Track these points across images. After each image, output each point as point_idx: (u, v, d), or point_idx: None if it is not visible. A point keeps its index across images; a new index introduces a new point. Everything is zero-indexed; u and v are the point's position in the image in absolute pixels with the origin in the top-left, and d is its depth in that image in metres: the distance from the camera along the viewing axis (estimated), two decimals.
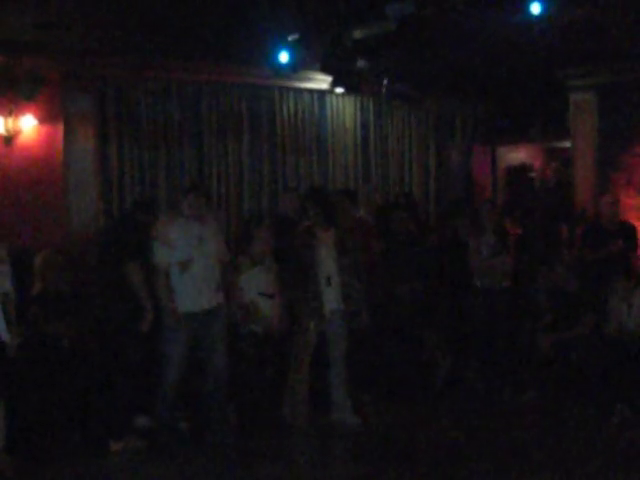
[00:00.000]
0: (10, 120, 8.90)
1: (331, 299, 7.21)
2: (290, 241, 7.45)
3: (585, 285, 8.35)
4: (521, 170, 12.87)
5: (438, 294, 8.62)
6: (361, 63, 8.99)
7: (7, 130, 8.89)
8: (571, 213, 10.76)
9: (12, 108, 8.91)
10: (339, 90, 10.54)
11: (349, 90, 10.42)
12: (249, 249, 7.42)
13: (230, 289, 7.05)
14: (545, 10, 7.24)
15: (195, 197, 6.81)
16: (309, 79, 10.65)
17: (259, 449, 6.67)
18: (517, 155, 12.90)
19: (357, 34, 8.14)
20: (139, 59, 9.45)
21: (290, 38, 8.49)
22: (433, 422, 7.42)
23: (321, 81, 10.62)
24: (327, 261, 7.21)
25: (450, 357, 8.54)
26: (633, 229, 9.10)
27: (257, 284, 7.33)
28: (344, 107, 11.31)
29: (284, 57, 8.70)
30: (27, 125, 8.96)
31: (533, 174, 12.64)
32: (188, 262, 6.66)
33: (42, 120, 9.07)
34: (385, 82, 10.46)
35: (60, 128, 9.18)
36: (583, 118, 11.22)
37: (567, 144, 11.53)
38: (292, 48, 8.62)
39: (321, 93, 10.99)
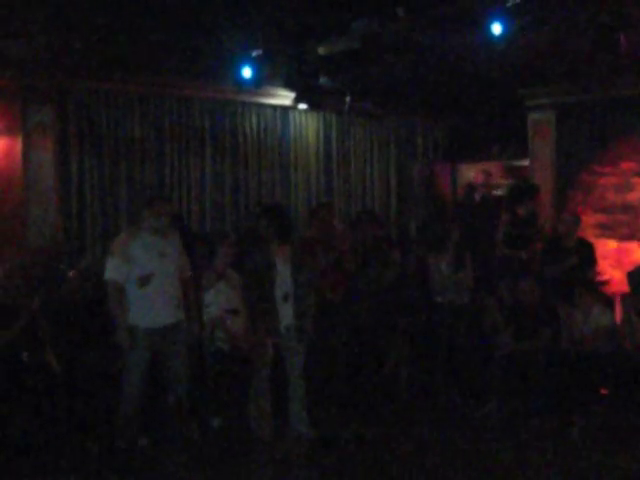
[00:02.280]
0: None
1: (287, 315, 7.21)
2: (249, 258, 7.45)
3: (544, 300, 8.44)
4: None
5: (400, 309, 8.66)
6: (324, 80, 9.05)
7: None
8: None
9: None
10: (302, 106, 10.58)
11: (312, 106, 10.47)
12: (213, 264, 7.39)
13: (194, 305, 7.00)
14: (506, 31, 7.34)
15: (162, 203, 6.77)
16: (272, 95, 10.67)
17: (224, 462, 6.65)
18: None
19: (321, 51, 8.20)
20: (101, 71, 9.41)
21: (254, 53, 8.52)
22: (395, 435, 7.44)
23: (284, 97, 10.65)
24: (284, 277, 7.21)
25: (407, 369, 8.58)
26: (589, 246, 9.24)
27: (223, 300, 7.29)
28: (307, 123, 11.35)
29: (247, 72, 8.73)
30: None
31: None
32: (148, 277, 6.60)
33: (1, 132, 8.98)
34: (348, 99, 10.53)
35: (19, 140, 9.09)
36: (542, 137, 11.36)
37: (526, 162, 11.66)
38: (255, 63, 8.65)
39: (284, 109, 11.02)
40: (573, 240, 9.14)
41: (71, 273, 8.40)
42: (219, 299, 7.27)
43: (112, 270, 6.64)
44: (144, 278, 6.59)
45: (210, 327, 7.22)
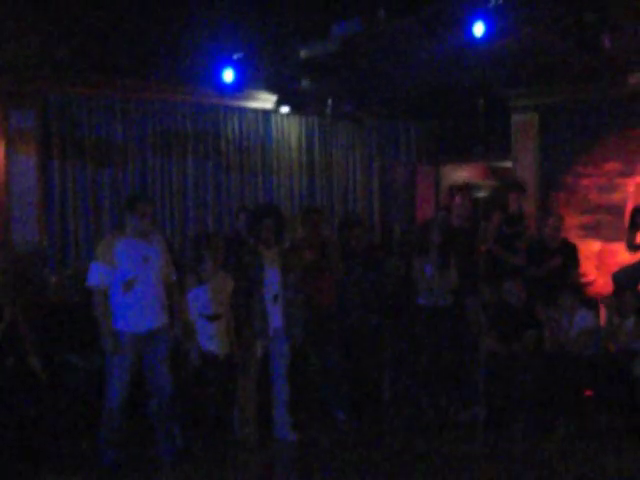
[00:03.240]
0: None
1: (276, 318, 7.19)
2: (237, 260, 7.41)
3: (528, 302, 8.43)
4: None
5: (384, 311, 8.64)
6: (306, 83, 9.04)
7: None
8: None
9: None
10: (284, 109, 10.57)
11: (294, 109, 10.46)
12: (198, 268, 7.33)
13: (178, 309, 6.93)
14: (488, 32, 7.34)
15: (144, 205, 6.70)
16: (254, 98, 10.65)
17: (208, 468, 6.62)
18: (460, 174, 13.02)
19: (302, 54, 8.18)
20: (83, 76, 9.37)
21: (235, 57, 8.50)
22: (378, 438, 7.43)
23: (266, 100, 10.63)
24: (272, 279, 7.19)
25: (390, 372, 8.56)
26: (573, 247, 9.24)
27: (201, 304, 7.23)
28: (289, 126, 11.31)
29: (229, 76, 8.71)
30: None
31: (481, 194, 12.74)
32: (132, 281, 6.56)
33: None
34: (329, 102, 10.52)
35: (1, 145, 9.05)
36: (525, 138, 11.38)
37: (509, 163, 11.68)
38: (237, 67, 8.63)
39: (266, 112, 10.99)
40: (557, 241, 9.14)
41: (54, 279, 8.36)
42: (197, 302, 7.20)
43: (95, 275, 6.58)
44: (128, 282, 6.54)
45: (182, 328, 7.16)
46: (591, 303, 8.82)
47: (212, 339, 7.10)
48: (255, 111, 10.95)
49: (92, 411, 6.84)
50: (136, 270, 6.54)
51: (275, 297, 7.14)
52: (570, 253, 9.09)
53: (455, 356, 8.36)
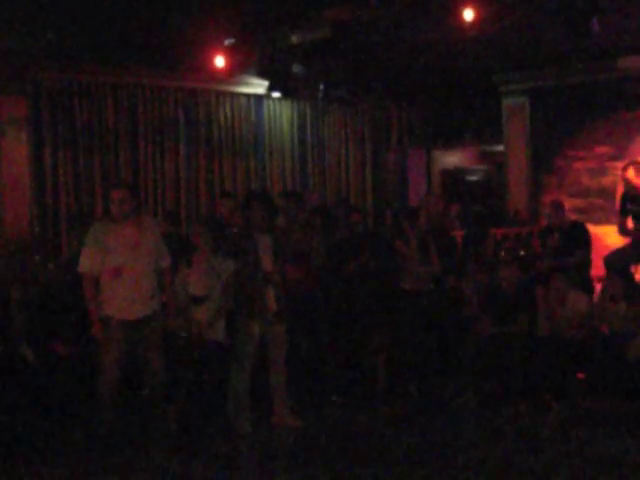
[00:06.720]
0: None
1: (273, 301, 7.21)
2: (231, 243, 7.42)
3: (522, 285, 8.45)
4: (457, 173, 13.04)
5: (379, 297, 8.65)
6: (297, 68, 9.03)
7: None
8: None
9: None
10: (276, 94, 10.56)
11: (286, 94, 10.45)
12: (193, 253, 7.32)
13: (170, 294, 6.94)
14: (478, 17, 7.35)
15: (116, 191, 6.63)
16: (246, 83, 10.66)
17: (201, 453, 6.64)
18: (452, 158, 13.05)
19: (293, 39, 8.17)
20: (74, 63, 9.35)
21: (226, 42, 8.49)
22: (373, 424, 7.46)
23: (258, 85, 10.63)
24: (266, 263, 7.21)
25: (385, 356, 8.59)
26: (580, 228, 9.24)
27: (190, 288, 7.21)
28: (281, 111, 11.34)
29: (220, 61, 8.70)
30: None
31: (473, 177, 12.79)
32: (120, 268, 6.53)
33: None
34: (321, 87, 10.52)
35: None
36: (516, 122, 11.43)
37: (501, 147, 11.71)
38: (228, 52, 8.62)
39: (258, 97, 11.00)
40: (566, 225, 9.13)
41: (50, 265, 8.36)
42: (185, 286, 7.18)
43: (86, 261, 6.57)
44: (116, 269, 6.51)
45: (174, 314, 7.18)
46: (583, 285, 8.83)
47: (201, 323, 7.11)
48: (247, 96, 10.96)
49: (82, 399, 6.85)
50: (124, 257, 6.51)
51: (268, 281, 7.16)
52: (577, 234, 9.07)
53: (447, 340, 8.39)
